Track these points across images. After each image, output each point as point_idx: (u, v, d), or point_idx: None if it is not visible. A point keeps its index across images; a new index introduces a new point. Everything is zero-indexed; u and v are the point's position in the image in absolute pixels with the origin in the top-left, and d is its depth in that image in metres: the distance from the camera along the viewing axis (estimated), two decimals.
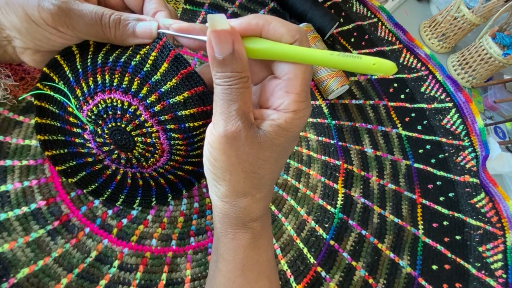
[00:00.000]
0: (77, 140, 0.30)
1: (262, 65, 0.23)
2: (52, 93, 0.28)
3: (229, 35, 0.19)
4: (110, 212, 0.35)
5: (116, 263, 0.33)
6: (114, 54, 0.26)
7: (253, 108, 0.23)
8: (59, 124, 0.30)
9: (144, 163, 0.30)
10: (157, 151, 0.28)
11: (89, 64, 0.26)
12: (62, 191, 0.34)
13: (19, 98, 0.35)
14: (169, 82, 0.25)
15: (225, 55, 0.19)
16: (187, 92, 0.25)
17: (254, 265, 0.25)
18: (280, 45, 0.20)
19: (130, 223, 0.36)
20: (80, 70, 0.26)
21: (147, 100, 0.25)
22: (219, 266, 0.25)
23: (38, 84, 0.28)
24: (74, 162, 0.31)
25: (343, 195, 0.47)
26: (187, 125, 0.26)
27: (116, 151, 0.29)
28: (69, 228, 0.33)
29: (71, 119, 0.29)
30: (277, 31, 0.20)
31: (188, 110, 0.26)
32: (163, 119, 0.26)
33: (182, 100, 0.25)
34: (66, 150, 0.31)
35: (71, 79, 0.27)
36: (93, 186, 0.33)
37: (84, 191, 0.33)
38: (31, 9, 0.22)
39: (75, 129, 0.29)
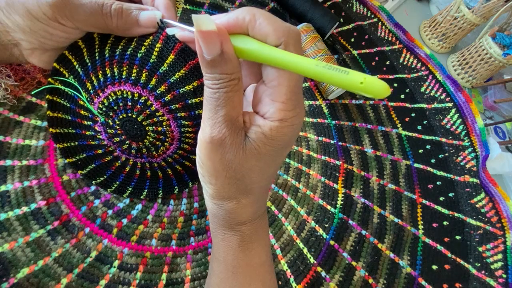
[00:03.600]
0: (87, 133, 0.31)
1: (260, 64, 0.23)
2: (63, 87, 0.28)
3: (216, 36, 0.18)
4: (110, 212, 0.35)
5: (116, 263, 0.33)
6: (120, 47, 0.26)
7: (246, 111, 0.22)
8: (70, 117, 0.31)
9: (154, 152, 0.31)
10: (167, 139, 0.29)
11: (97, 57, 0.26)
12: (62, 191, 0.34)
13: (32, 93, 0.36)
14: (177, 73, 0.25)
15: (214, 56, 0.19)
16: (196, 81, 0.26)
17: (245, 268, 0.25)
18: (266, 48, 0.19)
19: (130, 223, 0.36)
20: (89, 64, 0.27)
21: (157, 91, 0.26)
22: (212, 266, 0.26)
23: (49, 79, 0.28)
24: (84, 155, 0.33)
25: (343, 195, 0.47)
26: (197, 112, 0.27)
27: (127, 141, 0.30)
28: (69, 228, 0.33)
29: (82, 112, 0.29)
30: (262, 30, 0.19)
31: (198, 98, 0.26)
32: (174, 107, 0.26)
33: (192, 89, 0.26)
34: (76, 143, 0.32)
35: (80, 73, 0.27)
36: (102, 178, 0.34)
37: (93, 182, 0.34)
38: (30, 4, 0.23)
39: (85, 122, 0.30)
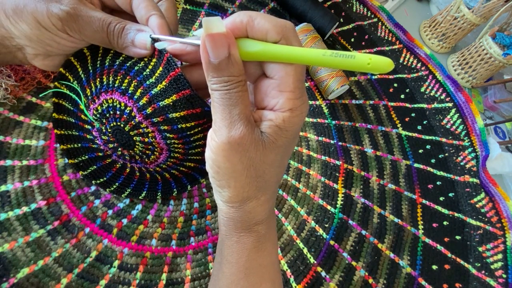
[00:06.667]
0: (88, 136, 0.31)
1: (256, 64, 0.23)
2: (66, 91, 0.29)
3: (225, 39, 0.19)
4: (110, 212, 0.35)
5: (116, 263, 0.33)
6: (121, 58, 0.26)
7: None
8: (73, 120, 0.31)
9: (146, 160, 0.31)
10: (156, 149, 0.29)
11: (98, 65, 0.27)
12: (62, 191, 0.34)
13: (40, 95, 0.37)
14: (159, 85, 0.25)
15: (221, 59, 0.19)
16: (175, 95, 0.25)
17: (258, 268, 0.25)
18: (271, 47, 0.19)
19: (130, 223, 0.36)
20: (91, 71, 0.27)
21: (140, 102, 0.26)
22: (222, 269, 0.25)
23: (56, 83, 0.29)
24: (86, 156, 0.33)
25: (343, 195, 0.47)
26: (179, 126, 0.27)
27: (120, 149, 0.30)
28: (69, 228, 0.33)
29: (82, 116, 0.30)
30: (262, 27, 0.19)
31: (178, 113, 0.26)
32: (155, 121, 0.26)
33: (171, 103, 0.25)
34: (79, 145, 0.33)
35: (83, 79, 0.28)
36: (102, 179, 0.34)
37: (93, 182, 0.34)
38: (40, 15, 0.23)
39: (86, 126, 0.30)
